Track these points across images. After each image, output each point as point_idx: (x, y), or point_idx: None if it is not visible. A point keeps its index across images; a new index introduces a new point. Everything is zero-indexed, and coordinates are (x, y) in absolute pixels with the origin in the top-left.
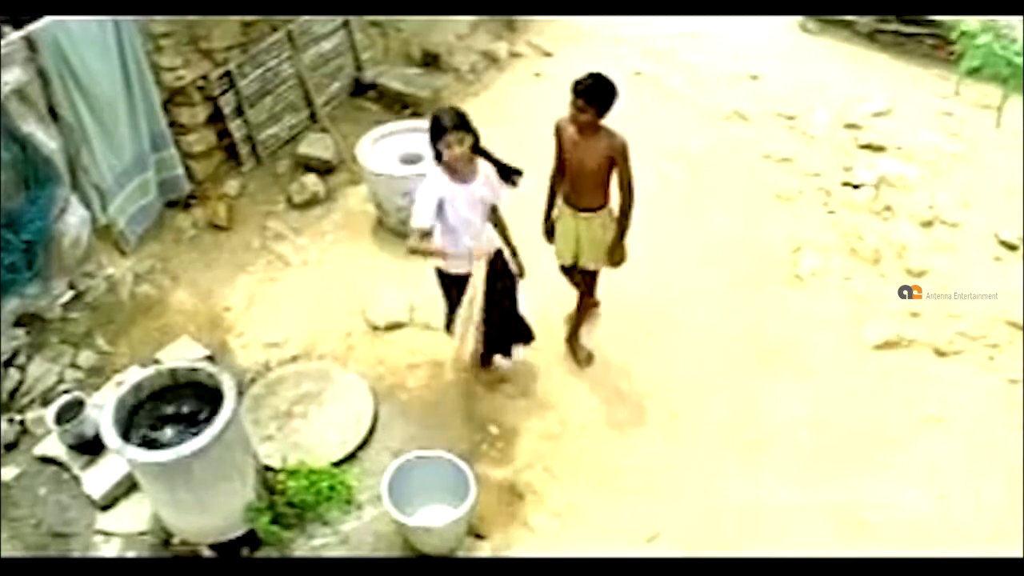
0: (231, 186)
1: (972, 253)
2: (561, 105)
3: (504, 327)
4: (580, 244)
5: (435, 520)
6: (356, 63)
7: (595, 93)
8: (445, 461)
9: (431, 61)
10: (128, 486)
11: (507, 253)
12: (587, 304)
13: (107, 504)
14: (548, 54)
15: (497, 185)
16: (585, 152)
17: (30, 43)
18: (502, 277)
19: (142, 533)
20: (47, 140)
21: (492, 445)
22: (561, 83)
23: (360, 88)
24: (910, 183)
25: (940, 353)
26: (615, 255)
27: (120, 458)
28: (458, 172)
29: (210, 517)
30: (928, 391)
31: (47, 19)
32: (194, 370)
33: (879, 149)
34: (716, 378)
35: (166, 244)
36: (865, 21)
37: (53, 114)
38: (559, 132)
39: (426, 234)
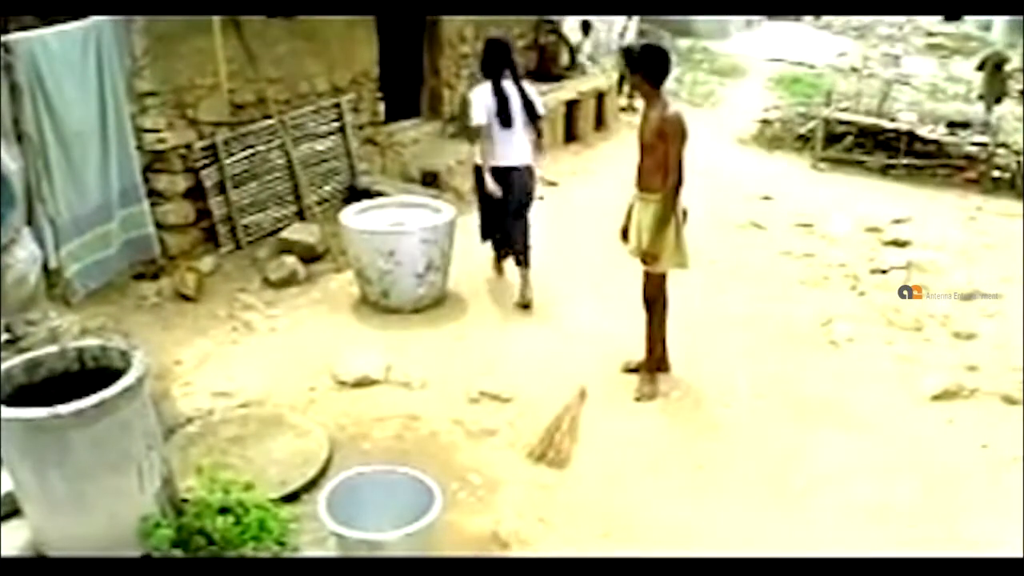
0: (205, 263)
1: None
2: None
3: (510, 241)
4: (639, 231)
5: (385, 536)
6: (351, 170)
7: (636, 57)
8: (402, 479)
9: (430, 180)
10: (10, 509)
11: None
12: (649, 330)
13: None
14: (553, 184)
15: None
16: (645, 126)
17: (7, 48)
18: (524, 192)
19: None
20: (7, 160)
21: (472, 493)
22: (564, 206)
23: (355, 195)
24: (942, 268)
25: (1010, 400)
26: (650, 244)
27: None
28: None
29: (91, 520)
30: (1003, 434)
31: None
32: (104, 349)
33: (904, 244)
34: (747, 431)
35: (125, 308)
36: (874, 159)
37: (18, 137)
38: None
39: (479, 135)
